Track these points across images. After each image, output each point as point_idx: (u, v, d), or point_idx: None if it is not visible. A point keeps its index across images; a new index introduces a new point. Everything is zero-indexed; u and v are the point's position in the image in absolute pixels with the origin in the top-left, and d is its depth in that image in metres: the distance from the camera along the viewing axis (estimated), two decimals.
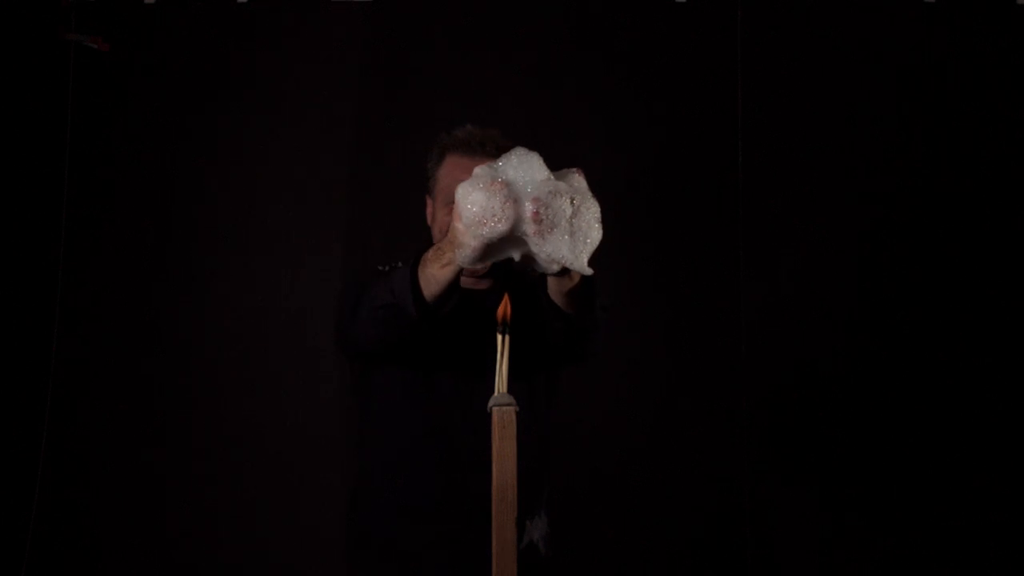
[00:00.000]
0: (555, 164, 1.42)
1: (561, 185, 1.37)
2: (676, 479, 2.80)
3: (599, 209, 1.38)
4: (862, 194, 2.83)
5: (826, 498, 2.80)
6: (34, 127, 2.78)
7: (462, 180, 1.81)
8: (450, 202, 1.83)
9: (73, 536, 2.76)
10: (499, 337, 1.46)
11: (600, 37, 2.88)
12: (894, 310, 2.81)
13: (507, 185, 1.33)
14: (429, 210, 1.92)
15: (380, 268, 1.91)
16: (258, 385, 2.81)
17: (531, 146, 1.95)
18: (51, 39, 2.77)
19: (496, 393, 1.42)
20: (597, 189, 1.41)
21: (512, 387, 1.33)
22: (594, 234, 1.38)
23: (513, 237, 1.37)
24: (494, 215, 1.32)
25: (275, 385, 2.81)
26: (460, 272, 1.50)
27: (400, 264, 1.92)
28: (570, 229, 1.37)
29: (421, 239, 1.99)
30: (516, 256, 1.40)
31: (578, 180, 1.42)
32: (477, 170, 1.35)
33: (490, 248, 1.38)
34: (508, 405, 1.40)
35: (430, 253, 1.52)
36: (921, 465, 2.78)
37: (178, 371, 2.82)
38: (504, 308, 1.31)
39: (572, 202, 1.36)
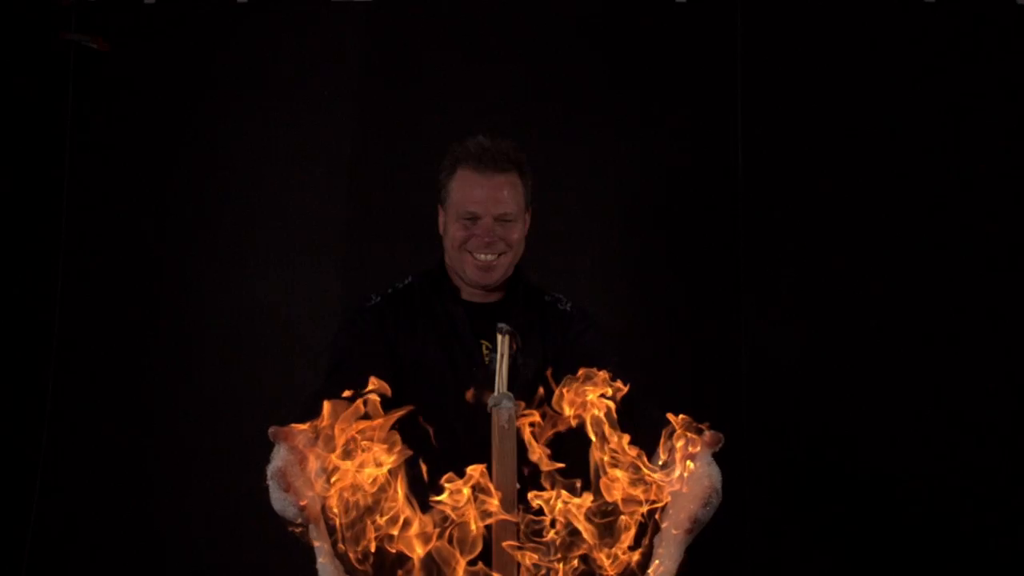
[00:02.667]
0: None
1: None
2: None
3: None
4: (862, 194, 2.83)
5: (826, 506, 2.80)
6: (34, 127, 2.78)
7: (473, 195, 1.83)
8: (461, 216, 1.84)
9: (73, 536, 2.76)
10: (499, 337, 1.47)
11: (600, 37, 2.88)
12: (895, 313, 2.81)
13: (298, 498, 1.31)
14: (441, 219, 1.92)
15: (372, 298, 1.91)
16: (259, 386, 2.81)
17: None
18: (51, 39, 2.77)
19: (496, 393, 1.42)
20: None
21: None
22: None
23: None
24: (287, 510, 1.32)
25: (277, 386, 2.81)
26: None
27: (403, 284, 1.93)
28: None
29: (428, 246, 2.00)
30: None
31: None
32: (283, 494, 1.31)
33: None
34: (508, 405, 1.41)
35: None
36: (922, 471, 2.78)
37: (179, 372, 2.82)
38: None
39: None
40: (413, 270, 2.01)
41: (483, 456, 1.42)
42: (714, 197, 2.87)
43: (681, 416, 1.39)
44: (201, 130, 2.85)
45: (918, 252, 2.81)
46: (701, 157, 2.88)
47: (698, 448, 1.37)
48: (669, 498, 1.35)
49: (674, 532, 1.35)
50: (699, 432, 1.38)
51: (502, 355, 1.47)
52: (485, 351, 1.86)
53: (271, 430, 1.32)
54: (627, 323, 2.82)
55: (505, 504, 1.37)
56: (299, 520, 1.31)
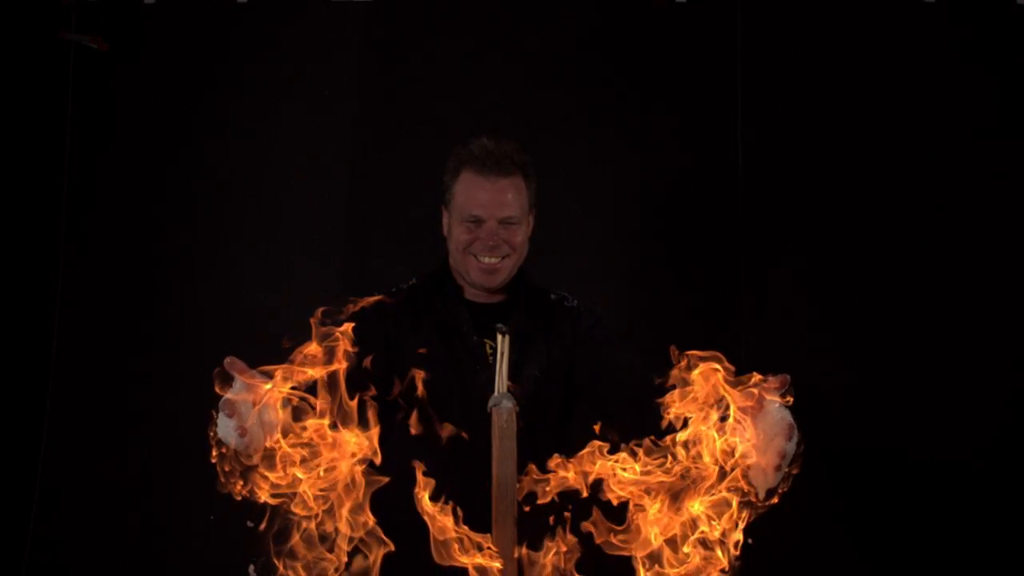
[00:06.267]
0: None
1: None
2: None
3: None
4: (862, 194, 2.82)
5: (827, 505, 2.80)
6: (34, 127, 2.79)
7: (477, 199, 1.83)
8: (465, 219, 1.85)
9: (73, 536, 2.76)
10: (499, 337, 1.47)
11: (600, 37, 2.88)
12: (895, 313, 2.81)
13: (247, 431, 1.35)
14: (445, 221, 1.92)
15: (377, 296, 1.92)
16: None
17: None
18: (51, 39, 2.77)
19: (496, 393, 1.43)
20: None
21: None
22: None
23: None
24: (229, 437, 1.35)
25: None
26: None
27: (407, 285, 1.94)
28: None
29: (428, 246, 2.00)
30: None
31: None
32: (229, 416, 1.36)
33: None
34: (508, 405, 1.41)
35: None
36: (924, 468, 2.77)
37: (179, 372, 2.81)
38: None
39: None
40: (414, 271, 2.01)
41: (485, 455, 1.43)
42: (714, 197, 2.87)
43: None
44: (201, 130, 2.85)
45: (918, 252, 2.81)
46: (701, 157, 2.87)
47: (767, 393, 1.44)
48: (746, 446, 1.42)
49: (763, 464, 1.42)
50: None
51: (502, 355, 1.47)
52: (488, 351, 1.87)
53: (227, 360, 1.36)
54: (627, 323, 2.82)
55: (504, 503, 1.38)
56: (241, 449, 1.36)
